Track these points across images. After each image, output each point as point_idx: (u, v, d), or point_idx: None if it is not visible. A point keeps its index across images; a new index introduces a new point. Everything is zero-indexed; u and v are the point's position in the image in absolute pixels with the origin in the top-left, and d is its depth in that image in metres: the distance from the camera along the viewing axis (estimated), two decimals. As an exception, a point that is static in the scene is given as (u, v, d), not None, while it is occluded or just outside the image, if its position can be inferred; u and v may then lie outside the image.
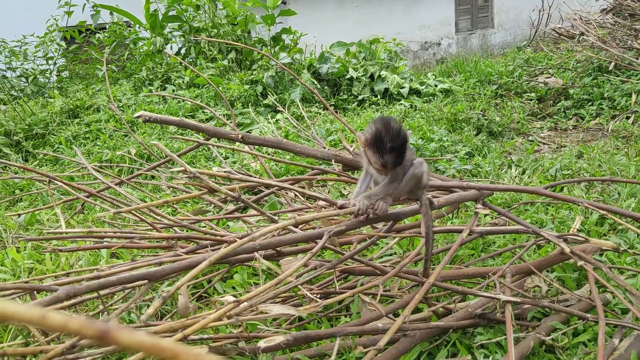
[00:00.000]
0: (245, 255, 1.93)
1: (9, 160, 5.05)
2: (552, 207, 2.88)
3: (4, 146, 5.37)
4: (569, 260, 2.09)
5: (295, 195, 3.16)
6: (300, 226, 2.17)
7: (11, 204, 4.08)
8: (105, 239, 2.10)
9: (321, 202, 2.10)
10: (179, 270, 1.26)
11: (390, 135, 1.43)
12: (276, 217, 2.52)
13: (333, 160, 2.58)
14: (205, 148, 4.81)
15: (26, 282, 2.02)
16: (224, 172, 1.78)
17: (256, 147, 3.99)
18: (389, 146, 1.43)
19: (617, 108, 4.97)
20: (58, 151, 5.18)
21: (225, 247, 1.21)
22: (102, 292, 1.84)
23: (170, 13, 7.44)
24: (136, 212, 2.45)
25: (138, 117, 2.17)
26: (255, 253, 1.59)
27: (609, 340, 1.73)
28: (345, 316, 2.13)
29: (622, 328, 1.78)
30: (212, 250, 1.81)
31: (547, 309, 1.94)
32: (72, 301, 1.24)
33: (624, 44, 5.98)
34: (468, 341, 1.85)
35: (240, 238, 1.88)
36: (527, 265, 2.03)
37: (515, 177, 3.56)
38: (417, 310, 1.99)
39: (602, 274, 2.02)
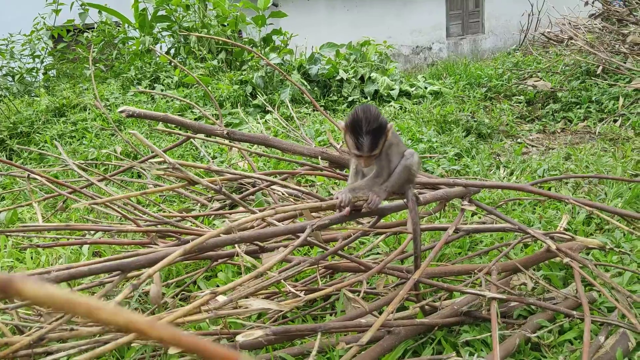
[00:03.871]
0: (227, 251, 1.89)
1: (-7, 159, 4.95)
2: (540, 206, 2.87)
3: (-13, 144, 5.28)
4: (555, 258, 2.08)
5: (283, 194, 3.12)
6: (286, 222, 2.14)
7: (-7, 202, 4.00)
8: (84, 233, 2.05)
9: (306, 197, 2.07)
10: (155, 261, 1.22)
11: (367, 118, 1.43)
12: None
13: (320, 158, 2.55)
14: (193, 148, 4.76)
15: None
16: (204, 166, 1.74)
17: (244, 145, 3.94)
18: (365, 129, 1.44)
19: (605, 111, 5.00)
20: (43, 150, 5.09)
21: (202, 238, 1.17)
22: (80, 288, 1.79)
23: (160, 13, 7.38)
24: (119, 208, 2.40)
25: (121, 112, 2.13)
26: (237, 248, 1.56)
27: (594, 337, 1.72)
28: (331, 314, 2.09)
29: (608, 325, 1.77)
30: (194, 246, 1.76)
31: (533, 307, 1.93)
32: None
33: (611, 49, 6.03)
34: (453, 339, 1.83)
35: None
36: (514, 262, 2.01)
37: (504, 177, 3.56)
38: (403, 307, 1.97)
39: (589, 272, 2.01)
